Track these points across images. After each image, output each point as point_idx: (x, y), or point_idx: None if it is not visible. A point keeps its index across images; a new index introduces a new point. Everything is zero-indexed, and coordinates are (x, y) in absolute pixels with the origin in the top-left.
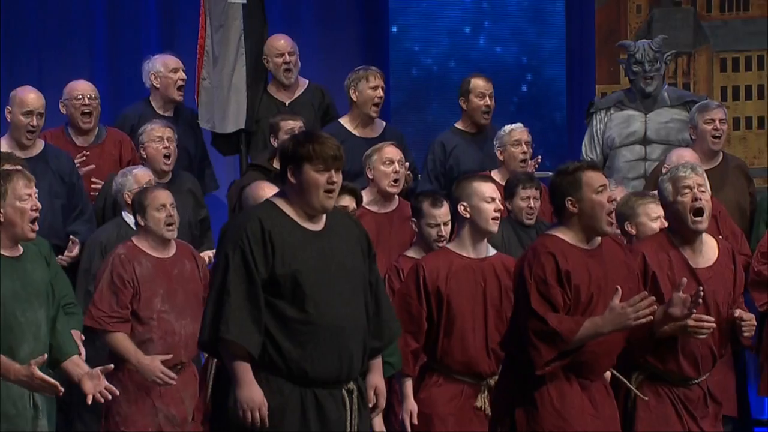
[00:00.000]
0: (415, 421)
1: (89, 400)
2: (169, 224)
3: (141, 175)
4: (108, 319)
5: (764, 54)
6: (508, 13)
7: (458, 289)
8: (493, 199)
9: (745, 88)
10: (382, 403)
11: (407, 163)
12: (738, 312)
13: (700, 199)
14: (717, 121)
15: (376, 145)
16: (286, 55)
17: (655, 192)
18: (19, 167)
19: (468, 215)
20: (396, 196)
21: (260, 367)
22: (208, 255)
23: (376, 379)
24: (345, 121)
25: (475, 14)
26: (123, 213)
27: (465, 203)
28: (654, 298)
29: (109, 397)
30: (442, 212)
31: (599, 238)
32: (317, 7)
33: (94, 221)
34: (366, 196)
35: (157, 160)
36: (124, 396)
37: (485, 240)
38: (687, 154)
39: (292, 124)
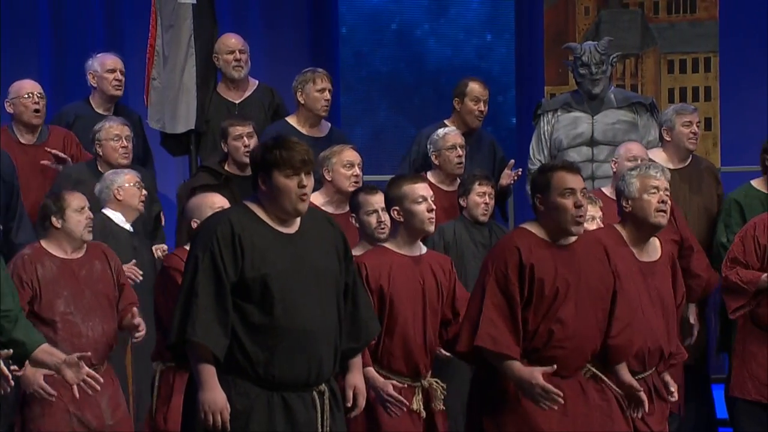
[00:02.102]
0: (393, 393)
1: (75, 392)
2: (89, 226)
3: (131, 175)
4: None
5: (711, 56)
6: (458, 15)
7: (399, 288)
8: (425, 198)
9: (692, 90)
10: (362, 403)
11: None
12: (668, 380)
13: (666, 202)
14: (695, 124)
15: (334, 147)
16: (237, 52)
17: (591, 193)
18: None
19: (401, 219)
20: None
21: (227, 371)
22: (162, 248)
23: (356, 378)
24: (293, 121)
25: (425, 16)
26: (104, 209)
27: (397, 207)
28: (562, 401)
29: (98, 388)
30: (378, 199)
31: (573, 236)
32: (265, 8)
33: (31, 225)
34: (321, 197)
35: (114, 157)
36: (36, 397)
37: (419, 239)
38: (635, 147)
39: (241, 130)
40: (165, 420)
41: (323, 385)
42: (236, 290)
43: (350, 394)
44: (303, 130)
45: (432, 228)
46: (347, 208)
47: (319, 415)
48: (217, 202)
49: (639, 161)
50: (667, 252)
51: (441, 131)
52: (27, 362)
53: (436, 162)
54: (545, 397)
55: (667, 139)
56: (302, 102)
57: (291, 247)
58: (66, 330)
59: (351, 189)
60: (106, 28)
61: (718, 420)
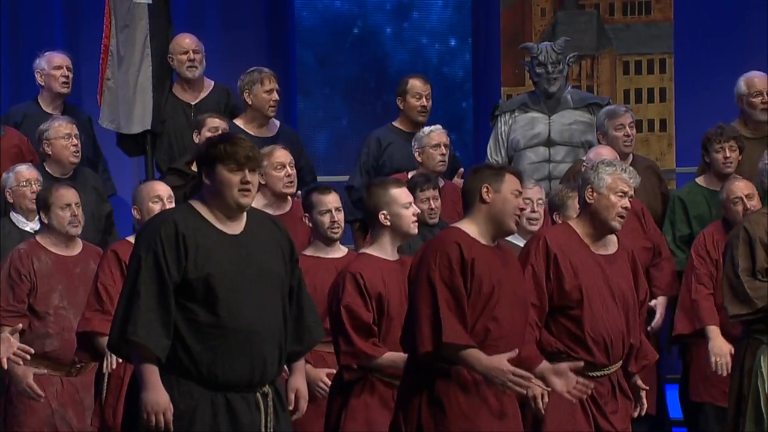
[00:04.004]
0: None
1: (4, 364)
2: (74, 223)
3: (23, 173)
4: (4, 314)
5: (666, 57)
6: (414, 17)
7: (392, 293)
8: (411, 203)
9: (648, 91)
10: (303, 406)
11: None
12: (640, 384)
13: (628, 208)
14: (627, 127)
15: (265, 149)
16: (191, 52)
17: None
18: None
19: (389, 223)
20: (289, 198)
21: (170, 370)
22: None
23: (298, 382)
24: (240, 122)
25: (382, 17)
26: (11, 213)
27: (385, 212)
28: (531, 377)
29: (27, 357)
30: (332, 198)
31: (499, 239)
32: (222, 9)
33: None
34: (260, 199)
35: (65, 155)
36: (19, 395)
37: (401, 243)
38: (605, 152)
39: (218, 123)
40: (114, 414)
41: (267, 386)
42: (180, 290)
43: (292, 397)
44: (251, 131)
45: (416, 231)
46: (286, 209)
47: (262, 416)
48: (158, 190)
49: None
50: (624, 246)
51: (427, 129)
52: (20, 360)
53: (419, 159)
54: (517, 382)
55: (603, 143)
56: (250, 102)
57: (236, 247)
58: (58, 324)
59: (285, 190)
60: (65, 29)
61: (671, 420)
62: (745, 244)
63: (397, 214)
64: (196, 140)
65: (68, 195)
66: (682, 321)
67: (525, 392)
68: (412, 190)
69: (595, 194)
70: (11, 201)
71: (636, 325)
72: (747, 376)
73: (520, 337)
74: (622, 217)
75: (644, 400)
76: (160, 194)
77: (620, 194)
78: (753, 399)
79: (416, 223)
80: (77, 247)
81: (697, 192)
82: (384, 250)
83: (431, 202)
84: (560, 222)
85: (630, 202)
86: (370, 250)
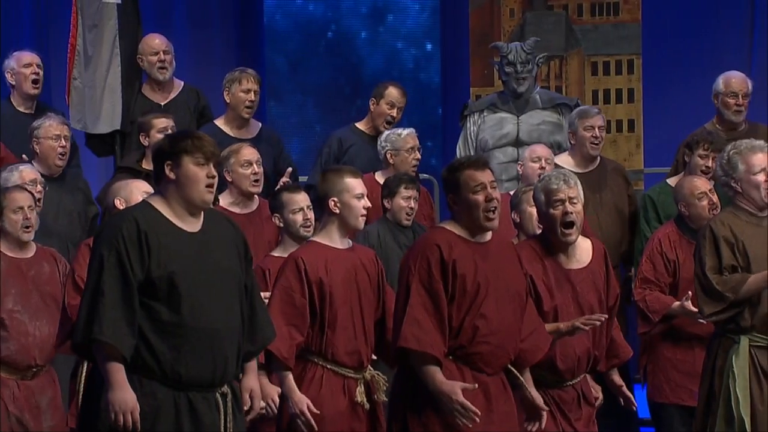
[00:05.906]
0: (315, 410)
1: None
2: (26, 227)
3: (27, 172)
4: None
5: (634, 58)
6: (385, 18)
7: (337, 280)
8: (363, 195)
9: (616, 92)
10: (258, 405)
11: (290, 169)
12: (619, 381)
13: (571, 213)
14: (596, 128)
15: (232, 146)
16: (161, 53)
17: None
18: None
19: (338, 211)
20: (256, 197)
21: (133, 370)
22: None
23: (252, 381)
24: (220, 123)
25: (352, 19)
26: None
27: (335, 199)
28: (477, 413)
29: None
30: (302, 197)
31: (488, 234)
32: (190, 8)
33: None
34: (226, 198)
35: (51, 156)
36: None
37: (348, 233)
38: (538, 148)
39: (165, 123)
40: None
41: (226, 386)
42: (143, 289)
43: (246, 397)
44: (231, 132)
45: (362, 225)
46: (253, 208)
47: (222, 417)
48: (142, 187)
49: (543, 161)
50: (598, 253)
51: (402, 132)
52: None
53: (391, 161)
54: (462, 414)
55: (572, 142)
56: (228, 101)
57: (195, 245)
58: (14, 328)
59: (252, 188)
60: (33, 29)
61: (640, 420)
62: (710, 243)
63: (347, 204)
64: (145, 143)
65: (21, 198)
66: (643, 324)
67: (469, 425)
68: (396, 185)
69: (540, 212)
70: None
71: (602, 337)
72: (719, 375)
73: (514, 331)
74: (568, 227)
75: (627, 393)
76: (147, 191)
77: (557, 205)
78: (724, 398)
79: (364, 217)
80: (30, 250)
81: (668, 192)
82: (331, 237)
83: (411, 201)
84: (518, 220)
85: (573, 206)
86: (316, 238)
